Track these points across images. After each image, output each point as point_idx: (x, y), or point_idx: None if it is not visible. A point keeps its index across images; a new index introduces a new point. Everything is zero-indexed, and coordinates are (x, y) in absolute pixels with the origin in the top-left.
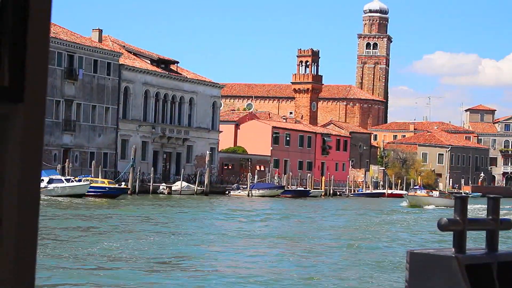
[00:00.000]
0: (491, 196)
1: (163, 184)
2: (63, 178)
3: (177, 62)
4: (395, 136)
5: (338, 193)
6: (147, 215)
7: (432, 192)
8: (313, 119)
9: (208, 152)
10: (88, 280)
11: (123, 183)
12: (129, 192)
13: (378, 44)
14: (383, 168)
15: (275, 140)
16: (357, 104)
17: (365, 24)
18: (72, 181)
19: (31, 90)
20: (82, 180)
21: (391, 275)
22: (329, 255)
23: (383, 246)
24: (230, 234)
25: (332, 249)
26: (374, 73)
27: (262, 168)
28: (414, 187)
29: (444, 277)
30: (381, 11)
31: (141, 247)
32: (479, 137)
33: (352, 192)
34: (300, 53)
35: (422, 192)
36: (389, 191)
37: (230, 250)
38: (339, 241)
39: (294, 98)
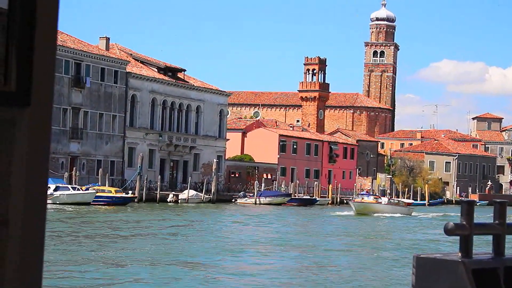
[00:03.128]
0: (498, 200)
1: (173, 192)
2: (69, 186)
3: (184, 70)
4: (402, 144)
5: (345, 201)
6: (156, 223)
7: (380, 198)
8: (320, 127)
9: (215, 160)
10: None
11: (130, 192)
12: (136, 200)
13: (385, 52)
14: (390, 176)
15: (282, 148)
16: (364, 112)
17: (372, 32)
18: (79, 189)
19: (37, 94)
20: (89, 189)
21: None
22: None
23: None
24: (235, 242)
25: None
26: (381, 81)
27: (269, 176)
28: (361, 193)
29: (451, 281)
30: (388, 19)
31: (149, 254)
32: (486, 145)
33: None
34: (307, 61)
35: (369, 199)
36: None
37: (236, 259)
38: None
39: (301, 106)
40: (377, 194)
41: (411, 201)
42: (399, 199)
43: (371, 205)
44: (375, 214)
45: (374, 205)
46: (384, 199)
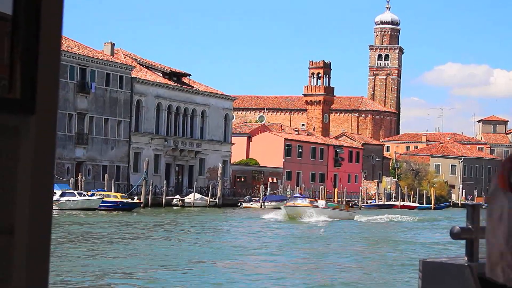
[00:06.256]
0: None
1: (177, 196)
2: (75, 192)
3: (189, 75)
4: (407, 148)
5: (351, 205)
6: (160, 227)
7: (317, 201)
8: (325, 131)
9: (220, 165)
10: None
11: (135, 197)
12: (141, 205)
13: (390, 56)
14: (396, 180)
15: (288, 152)
16: (369, 116)
17: (377, 35)
18: (85, 195)
19: (42, 102)
20: (95, 194)
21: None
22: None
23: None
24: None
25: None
26: (385, 84)
27: (275, 180)
28: (294, 195)
29: (457, 285)
30: (392, 22)
31: (153, 260)
32: (491, 148)
33: (364, 204)
34: (312, 65)
35: (304, 202)
36: (402, 203)
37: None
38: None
39: (306, 110)
40: (312, 197)
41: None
42: (339, 203)
43: (303, 209)
44: (308, 220)
45: (307, 209)
46: (321, 202)
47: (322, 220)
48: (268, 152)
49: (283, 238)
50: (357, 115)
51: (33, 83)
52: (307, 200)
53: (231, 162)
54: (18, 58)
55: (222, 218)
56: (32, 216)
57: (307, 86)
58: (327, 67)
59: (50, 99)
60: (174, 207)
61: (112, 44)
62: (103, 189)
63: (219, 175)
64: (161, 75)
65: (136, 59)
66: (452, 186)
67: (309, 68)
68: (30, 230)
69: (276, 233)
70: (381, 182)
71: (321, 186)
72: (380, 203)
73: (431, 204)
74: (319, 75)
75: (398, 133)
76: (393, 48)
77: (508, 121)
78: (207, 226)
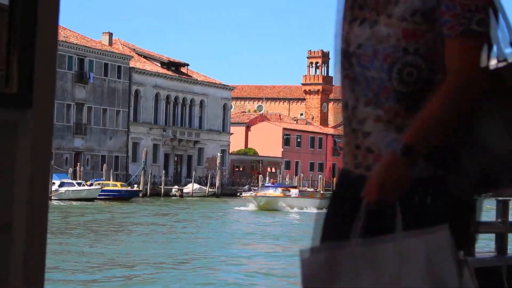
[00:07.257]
0: (500, 199)
1: (176, 186)
2: (74, 182)
3: (188, 65)
4: None
5: None
6: (160, 216)
7: (289, 191)
8: (324, 120)
9: (219, 154)
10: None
11: (135, 186)
12: (140, 195)
13: None
14: None
15: (286, 141)
16: None
17: None
18: (84, 185)
19: (39, 96)
20: (94, 184)
21: None
22: None
23: None
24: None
25: None
26: None
27: (273, 170)
28: (266, 185)
29: None
30: None
31: (151, 249)
32: None
33: None
34: (310, 54)
35: (276, 192)
36: None
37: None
38: None
39: (304, 99)
40: (286, 186)
41: None
42: (316, 190)
43: (276, 199)
44: (286, 210)
45: (280, 199)
46: (295, 191)
47: (294, 212)
48: (267, 142)
49: (258, 229)
50: None
51: (30, 77)
52: (279, 189)
53: (230, 152)
54: (15, 52)
55: (208, 209)
56: (29, 213)
57: (305, 75)
58: (325, 56)
59: (47, 93)
60: (173, 197)
61: (110, 34)
62: (102, 179)
63: (217, 164)
64: (160, 65)
65: (134, 49)
66: None
67: (307, 57)
68: (28, 227)
69: (249, 222)
70: None
71: (319, 176)
72: None
73: None
74: (318, 65)
75: None
76: None
77: None
78: (194, 216)
